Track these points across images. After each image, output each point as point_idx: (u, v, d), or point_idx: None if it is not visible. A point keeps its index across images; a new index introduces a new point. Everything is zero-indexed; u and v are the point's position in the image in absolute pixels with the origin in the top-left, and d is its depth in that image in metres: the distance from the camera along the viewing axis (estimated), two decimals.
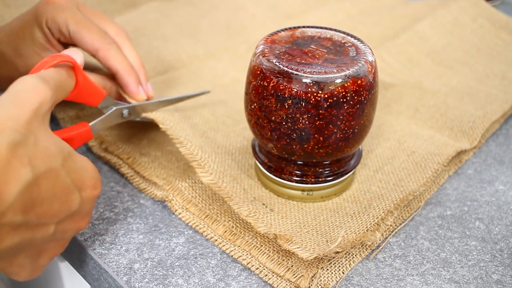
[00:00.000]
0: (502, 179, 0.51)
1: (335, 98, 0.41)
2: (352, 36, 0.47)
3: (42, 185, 0.34)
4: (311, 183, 0.46)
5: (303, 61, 0.43)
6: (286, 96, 0.42)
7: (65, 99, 0.40)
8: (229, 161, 0.50)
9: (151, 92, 0.53)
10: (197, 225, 0.46)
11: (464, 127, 0.56)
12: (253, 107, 0.44)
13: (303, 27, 0.48)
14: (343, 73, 0.41)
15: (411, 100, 0.60)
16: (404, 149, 0.53)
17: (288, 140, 0.43)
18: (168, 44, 0.68)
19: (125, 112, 0.49)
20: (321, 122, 0.42)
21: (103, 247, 0.44)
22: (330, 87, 0.41)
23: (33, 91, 0.36)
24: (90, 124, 0.46)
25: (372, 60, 0.44)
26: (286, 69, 0.42)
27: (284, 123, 0.43)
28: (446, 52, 0.68)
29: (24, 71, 0.49)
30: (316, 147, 0.43)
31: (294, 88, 0.41)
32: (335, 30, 0.47)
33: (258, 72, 0.43)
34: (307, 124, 0.42)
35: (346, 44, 0.45)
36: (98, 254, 0.43)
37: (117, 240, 0.44)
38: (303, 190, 0.47)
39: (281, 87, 0.42)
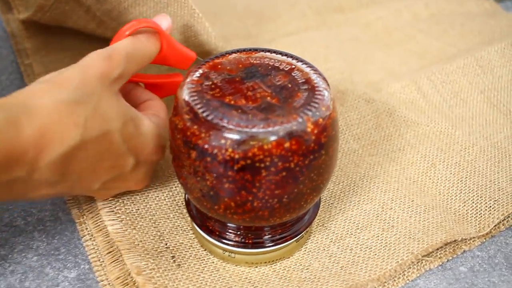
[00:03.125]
0: None
1: (248, 161, 0.32)
2: (321, 76, 0.36)
3: (90, 149, 0.34)
4: (233, 246, 0.38)
5: (232, 102, 0.34)
6: (192, 144, 0.33)
7: (151, 63, 0.41)
8: (167, 192, 0.43)
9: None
10: (95, 261, 0.40)
11: (481, 206, 0.43)
12: (169, 142, 0.36)
13: (267, 50, 0.38)
14: (265, 130, 0.32)
15: (431, 150, 0.47)
16: (384, 219, 0.42)
17: (199, 194, 0.35)
18: None
19: None
20: (230, 186, 0.33)
21: None
22: (243, 146, 0.32)
23: (98, 63, 0.35)
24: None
25: (322, 117, 0.33)
26: (197, 110, 0.33)
27: (192, 174, 0.34)
28: (511, 92, 0.53)
29: None
30: (228, 211, 0.34)
31: (200, 137, 0.32)
32: (307, 63, 0.37)
33: (176, 103, 0.35)
34: (215, 184, 0.33)
35: (302, 86, 0.35)
36: None
37: (9, 256, 0.40)
38: (224, 250, 0.38)
39: (188, 133, 0.33)
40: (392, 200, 0.43)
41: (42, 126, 0.31)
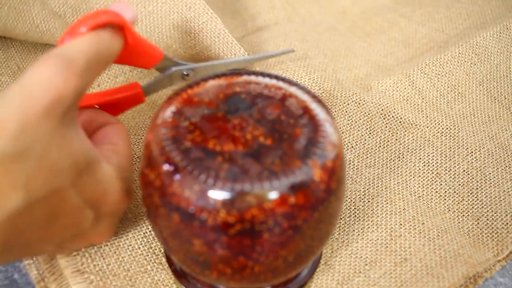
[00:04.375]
0: None
1: (246, 224, 0.26)
2: (320, 102, 0.30)
3: (37, 211, 0.26)
4: None
5: (217, 148, 0.27)
6: (173, 205, 0.26)
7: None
8: (140, 239, 0.36)
9: None
10: None
11: (497, 222, 0.38)
12: (142, 197, 0.30)
13: (252, 73, 0.31)
14: (264, 184, 0.25)
15: (434, 156, 0.42)
16: (394, 250, 0.37)
17: (184, 258, 0.29)
18: None
19: (187, 72, 0.41)
20: (225, 252, 0.27)
21: None
22: (239, 206, 0.25)
23: (48, 84, 0.26)
24: (143, 85, 0.39)
25: (330, 158, 0.27)
26: (176, 162, 0.26)
27: (175, 237, 0.28)
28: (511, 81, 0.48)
29: None
30: (223, 278, 0.28)
31: (183, 198, 0.26)
32: (301, 87, 0.30)
33: (148, 152, 0.28)
34: (206, 249, 0.27)
35: (301, 120, 0.29)
36: None
37: None
38: None
39: (168, 191, 0.26)
40: (401, 224, 0.38)
41: None
